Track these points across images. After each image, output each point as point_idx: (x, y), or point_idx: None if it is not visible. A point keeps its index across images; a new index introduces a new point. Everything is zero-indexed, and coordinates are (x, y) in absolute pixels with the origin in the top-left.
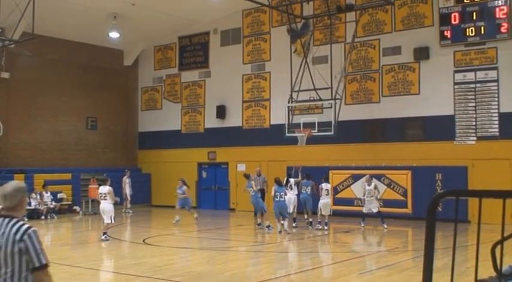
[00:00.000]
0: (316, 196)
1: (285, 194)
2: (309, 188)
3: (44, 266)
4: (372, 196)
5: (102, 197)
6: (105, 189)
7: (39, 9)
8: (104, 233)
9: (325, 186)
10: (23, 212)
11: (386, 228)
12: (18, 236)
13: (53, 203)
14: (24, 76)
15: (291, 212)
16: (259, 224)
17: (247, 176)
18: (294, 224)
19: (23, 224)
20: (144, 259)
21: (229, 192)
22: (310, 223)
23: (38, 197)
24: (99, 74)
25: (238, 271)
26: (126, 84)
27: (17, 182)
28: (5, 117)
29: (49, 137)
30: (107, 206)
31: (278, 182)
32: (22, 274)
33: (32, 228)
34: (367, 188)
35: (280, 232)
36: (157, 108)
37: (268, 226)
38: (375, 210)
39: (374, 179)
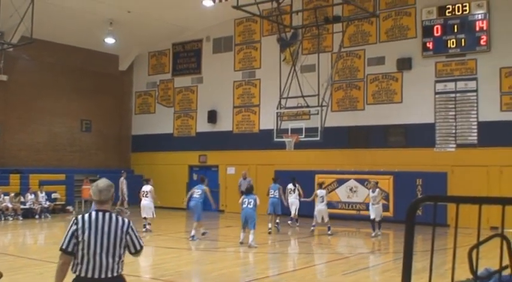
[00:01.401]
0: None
1: (255, 202)
2: (277, 191)
3: (141, 250)
4: (377, 203)
5: (144, 195)
6: (147, 187)
7: (38, 14)
8: (144, 226)
9: (320, 193)
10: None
11: (376, 235)
12: (125, 228)
13: (47, 203)
14: (22, 79)
15: (292, 214)
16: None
17: (202, 180)
18: (297, 224)
19: (123, 218)
20: (134, 259)
21: (219, 194)
22: (277, 224)
23: (33, 196)
24: (94, 78)
25: (226, 271)
26: (121, 89)
27: (107, 180)
28: (3, 119)
29: (45, 138)
30: (148, 204)
31: (248, 190)
32: (121, 259)
33: (129, 221)
34: (372, 194)
35: (241, 243)
36: (150, 112)
37: (204, 233)
38: (378, 218)
39: (378, 186)
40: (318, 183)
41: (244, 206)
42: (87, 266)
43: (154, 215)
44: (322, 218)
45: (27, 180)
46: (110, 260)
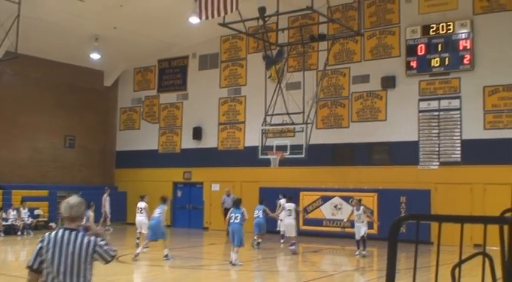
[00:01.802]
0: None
1: (242, 216)
2: (261, 212)
3: (114, 256)
4: (362, 221)
5: (139, 211)
6: (142, 204)
7: (23, 29)
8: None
9: (288, 206)
10: (81, 222)
11: (361, 254)
12: (91, 248)
13: (30, 219)
14: (5, 94)
15: (293, 236)
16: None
17: (163, 200)
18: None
19: (89, 237)
20: (117, 276)
21: (203, 211)
22: (258, 244)
23: (16, 213)
24: (79, 93)
25: None
26: (106, 104)
27: (78, 196)
28: None
29: (28, 153)
30: (142, 220)
31: (235, 203)
32: (87, 279)
33: (96, 238)
34: (356, 213)
35: (231, 262)
36: (135, 128)
37: (166, 255)
38: (361, 234)
39: (362, 203)
40: (288, 197)
41: (231, 221)
42: None
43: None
44: (283, 231)
45: (10, 196)
46: (75, 279)
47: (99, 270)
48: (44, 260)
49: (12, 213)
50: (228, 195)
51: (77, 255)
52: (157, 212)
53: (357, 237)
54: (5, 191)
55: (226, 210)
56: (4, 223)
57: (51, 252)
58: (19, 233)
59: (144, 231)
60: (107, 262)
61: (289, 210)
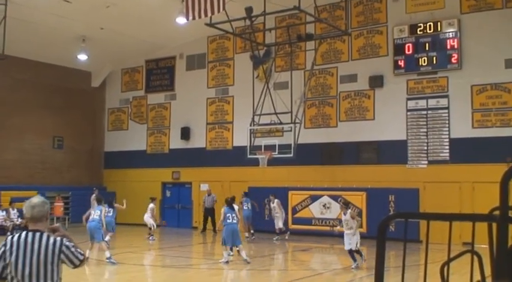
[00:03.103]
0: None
1: (237, 216)
2: (249, 203)
3: (83, 260)
4: (350, 228)
5: (147, 211)
6: (151, 205)
7: (10, 30)
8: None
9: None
10: (46, 225)
11: (354, 267)
12: (57, 248)
13: (19, 220)
14: None
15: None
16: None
17: (98, 200)
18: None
19: (55, 238)
20: (106, 276)
21: (192, 211)
22: (252, 234)
23: (5, 213)
24: (67, 94)
25: None
26: (93, 105)
27: (41, 196)
28: None
29: (15, 155)
30: (146, 218)
31: (229, 203)
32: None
33: (62, 238)
34: (344, 217)
35: (227, 262)
36: (123, 129)
37: (109, 257)
38: (354, 247)
39: (350, 207)
40: (244, 192)
41: (229, 221)
42: None
43: (155, 227)
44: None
45: None
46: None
47: (87, 268)
48: (7, 264)
49: (1, 214)
50: (209, 195)
51: (43, 256)
52: (96, 214)
53: (346, 247)
54: None
55: (206, 210)
56: None
57: (15, 255)
58: (8, 233)
59: (150, 225)
60: (75, 266)
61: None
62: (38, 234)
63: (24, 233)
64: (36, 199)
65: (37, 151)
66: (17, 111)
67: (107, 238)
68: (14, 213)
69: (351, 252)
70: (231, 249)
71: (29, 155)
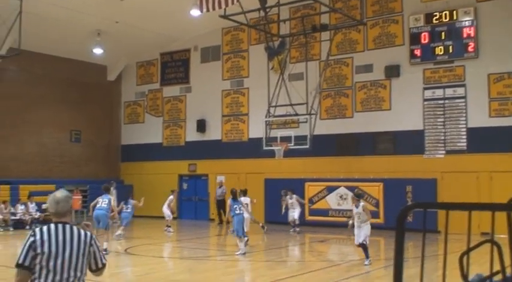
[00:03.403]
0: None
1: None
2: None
3: (103, 267)
4: (362, 221)
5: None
6: (170, 197)
7: (26, 25)
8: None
9: (244, 200)
10: (71, 219)
11: (368, 264)
12: (88, 240)
13: (38, 214)
14: (10, 90)
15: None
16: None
17: (106, 189)
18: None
19: (81, 229)
20: (125, 268)
21: (208, 203)
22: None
23: (23, 207)
24: (83, 88)
25: (217, 279)
26: (110, 99)
27: (65, 190)
28: None
29: (34, 149)
30: (164, 210)
31: (233, 195)
32: (83, 273)
33: (92, 233)
34: (355, 210)
35: (244, 254)
36: (139, 122)
37: (105, 249)
38: (361, 240)
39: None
40: (241, 190)
41: (237, 212)
42: (45, 280)
43: (171, 218)
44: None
45: (17, 191)
46: (72, 273)
47: (108, 260)
48: (37, 254)
49: (20, 208)
50: (220, 187)
51: (76, 247)
52: (103, 202)
53: (357, 242)
54: (12, 186)
55: (218, 202)
56: (13, 218)
57: (47, 245)
58: (27, 227)
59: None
60: (97, 268)
61: (246, 204)
62: (67, 225)
63: (52, 225)
64: (60, 194)
65: (55, 145)
66: (35, 106)
67: (119, 232)
68: (32, 207)
69: (364, 246)
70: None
71: (47, 149)
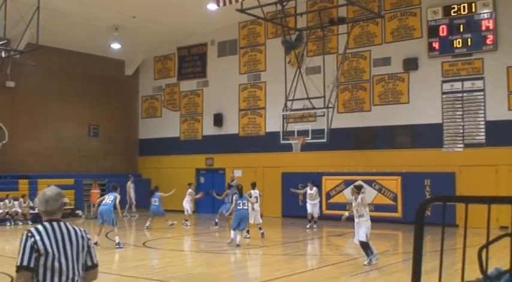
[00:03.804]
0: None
1: (248, 204)
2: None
3: (97, 265)
4: (360, 216)
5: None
6: (189, 190)
7: (44, 20)
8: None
9: (253, 193)
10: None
11: (367, 263)
12: (85, 235)
13: None
14: (28, 85)
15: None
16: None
17: (114, 187)
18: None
19: (75, 226)
20: (144, 261)
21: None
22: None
23: None
24: (101, 83)
25: (234, 273)
26: (127, 93)
27: (56, 187)
28: (11, 125)
29: (52, 143)
30: (184, 204)
31: (239, 191)
32: (83, 270)
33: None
34: (354, 203)
35: (238, 245)
36: (157, 116)
37: (118, 243)
38: (360, 238)
39: (364, 188)
40: (251, 183)
41: (239, 207)
42: (51, 280)
43: (189, 212)
44: (254, 219)
45: (36, 186)
46: (76, 272)
47: (125, 253)
48: (40, 255)
49: (38, 203)
50: (232, 181)
51: (75, 242)
52: (108, 199)
53: (356, 240)
54: (30, 180)
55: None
56: (31, 211)
57: (49, 244)
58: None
59: (187, 212)
60: (93, 265)
61: (255, 197)
62: (61, 223)
63: (47, 223)
64: (50, 192)
65: (73, 139)
66: (53, 100)
67: (148, 223)
68: None
69: (362, 245)
70: (248, 232)
71: (65, 143)
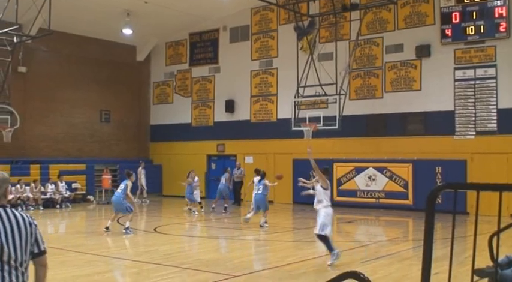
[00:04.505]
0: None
1: (264, 186)
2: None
3: (45, 252)
4: (319, 202)
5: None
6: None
7: (55, 6)
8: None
9: (256, 180)
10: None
11: (330, 263)
12: (30, 220)
13: (68, 193)
14: (40, 70)
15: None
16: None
17: (128, 174)
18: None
19: (21, 211)
20: (155, 247)
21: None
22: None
23: (53, 186)
24: (112, 68)
25: (245, 259)
26: (139, 79)
27: (2, 173)
28: (22, 110)
29: (64, 129)
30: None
31: (262, 176)
32: (27, 264)
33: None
34: (316, 187)
35: (261, 226)
36: (168, 102)
37: (127, 227)
38: (318, 230)
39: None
40: (255, 170)
41: (255, 192)
42: (1, 270)
43: (199, 199)
44: (258, 207)
45: (47, 171)
46: (25, 258)
47: (136, 239)
48: None
49: (50, 187)
50: (238, 168)
51: (23, 228)
52: (120, 187)
53: (315, 231)
54: (42, 165)
55: (235, 184)
56: (43, 197)
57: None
58: (57, 206)
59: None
60: (40, 251)
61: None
62: (7, 209)
63: None
64: None
65: (85, 125)
66: (65, 86)
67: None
68: (62, 186)
69: (319, 238)
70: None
71: (77, 128)
